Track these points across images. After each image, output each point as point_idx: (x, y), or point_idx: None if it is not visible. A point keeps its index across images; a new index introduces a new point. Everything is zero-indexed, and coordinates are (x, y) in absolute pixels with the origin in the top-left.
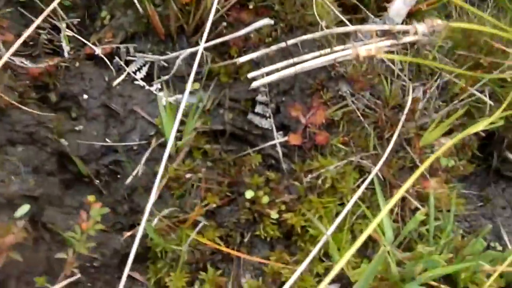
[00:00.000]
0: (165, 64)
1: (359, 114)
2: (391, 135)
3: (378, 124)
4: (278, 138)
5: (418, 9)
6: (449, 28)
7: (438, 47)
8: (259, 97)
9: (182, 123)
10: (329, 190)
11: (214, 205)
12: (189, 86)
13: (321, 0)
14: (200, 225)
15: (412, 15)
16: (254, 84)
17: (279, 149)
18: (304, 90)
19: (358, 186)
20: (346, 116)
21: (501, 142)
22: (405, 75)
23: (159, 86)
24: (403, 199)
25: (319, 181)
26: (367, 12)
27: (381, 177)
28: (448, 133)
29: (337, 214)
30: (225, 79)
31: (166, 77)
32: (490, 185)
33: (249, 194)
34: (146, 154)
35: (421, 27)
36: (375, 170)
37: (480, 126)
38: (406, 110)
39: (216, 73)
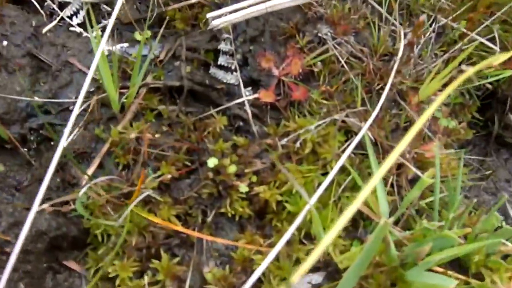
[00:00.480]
0: (108, 9)
1: (343, 63)
2: (382, 88)
3: (365, 75)
4: (247, 95)
5: None
6: None
7: None
8: (223, 46)
9: (130, 78)
10: (310, 156)
11: (169, 176)
12: (112, 20)
13: None
14: (143, 196)
15: None
16: (214, 23)
17: (248, 108)
18: (276, 36)
19: (344, 151)
20: (327, 67)
21: (504, 102)
22: (395, 19)
23: (100, 34)
24: (398, 167)
25: (297, 146)
26: None
27: (372, 138)
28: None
29: (320, 185)
30: (182, 25)
31: (107, 21)
32: (491, 155)
33: (212, 162)
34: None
35: None
36: (363, 129)
37: (491, 61)
38: (398, 59)
39: (171, 18)
